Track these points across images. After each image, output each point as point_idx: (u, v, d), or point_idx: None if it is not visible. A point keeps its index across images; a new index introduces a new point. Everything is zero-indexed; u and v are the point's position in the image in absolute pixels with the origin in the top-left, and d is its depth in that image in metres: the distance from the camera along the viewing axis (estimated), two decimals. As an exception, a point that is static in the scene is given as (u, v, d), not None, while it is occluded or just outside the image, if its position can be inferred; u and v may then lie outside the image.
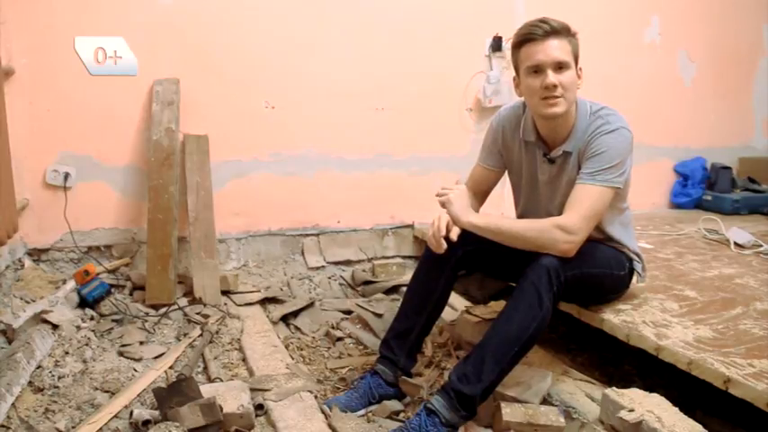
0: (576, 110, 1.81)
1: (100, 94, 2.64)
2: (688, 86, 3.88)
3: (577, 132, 1.80)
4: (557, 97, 1.70)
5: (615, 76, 3.47)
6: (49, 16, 2.53)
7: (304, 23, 2.91)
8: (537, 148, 1.90)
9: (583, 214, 1.71)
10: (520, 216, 2.07)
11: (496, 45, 3.25)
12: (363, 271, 3.09)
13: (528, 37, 1.71)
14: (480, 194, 2.08)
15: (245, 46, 2.83)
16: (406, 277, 2.99)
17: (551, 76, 1.68)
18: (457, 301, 2.59)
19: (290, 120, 2.96)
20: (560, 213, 1.79)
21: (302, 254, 3.08)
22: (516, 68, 1.81)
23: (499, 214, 2.19)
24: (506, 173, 2.09)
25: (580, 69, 1.77)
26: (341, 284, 3.04)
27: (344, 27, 2.99)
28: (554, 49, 1.68)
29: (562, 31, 1.70)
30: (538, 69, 1.70)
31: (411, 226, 3.26)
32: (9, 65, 2.44)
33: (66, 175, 2.63)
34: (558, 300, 1.74)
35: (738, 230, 2.95)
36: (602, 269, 1.89)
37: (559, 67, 1.69)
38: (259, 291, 2.75)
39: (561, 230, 1.70)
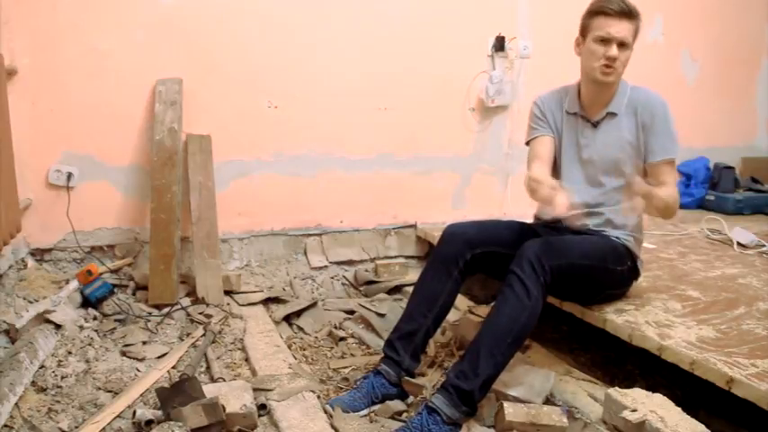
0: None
1: (103, 93, 2.64)
2: (691, 86, 3.88)
3: (618, 97, 2.00)
4: (613, 68, 1.90)
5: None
6: (52, 16, 2.53)
7: (307, 23, 2.91)
8: (579, 117, 2.07)
9: (675, 185, 1.96)
10: None
11: (499, 45, 3.24)
12: (366, 271, 3.09)
13: (605, 10, 1.88)
14: (548, 168, 2.09)
15: (248, 46, 2.83)
16: (409, 277, 3.00)
17: (615, 50, 1.87)
18: (460, 301, 2.58)
19: (293, 120, 2.96)
20: (605, 174, 2.01)
21: (305, 254, 3.08)
22: (583, 31, 1.97)
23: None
24: None
25: (631, 50, 1.95)
26: (343, 284, 3.05)
27: (347, 27, 2.99)
28: (624, 29, 1.87)
29: (633, 14, 1.88)
30: (605, 40, 1.88)
31: (414, 226, 3.26)
32: (12, 64, 2.44)
33: (69, 175, 2.63)
34: (547, 290, 1.76)
35: (741, 230, 2.95)
36: (593, 261, 1.90)
37: (622, 44, 1.88)
38: (262, 291, 2.75)
39: (677, 200, 1.96)
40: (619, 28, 1.87)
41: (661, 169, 1.96)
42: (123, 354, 2.13)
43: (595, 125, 2.04)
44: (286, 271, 2.99)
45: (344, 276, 3.09)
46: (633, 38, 1.91)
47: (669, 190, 1.92)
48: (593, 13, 1.92)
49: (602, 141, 2.02)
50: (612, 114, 2.00)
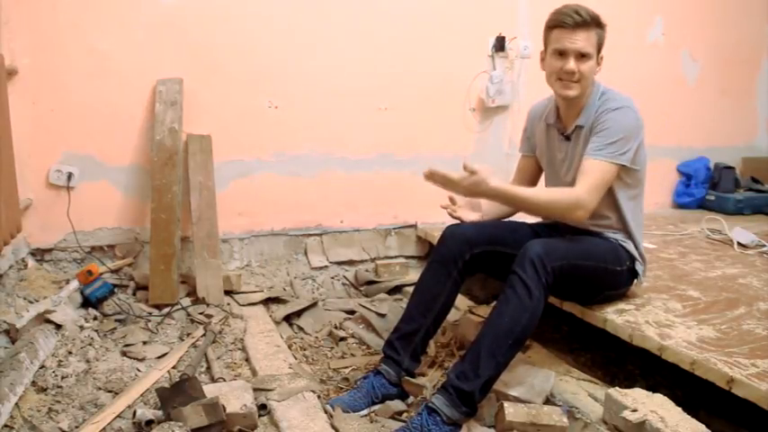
0: (591, 90, 1.94)
1: (103, 93, 2.64)
2: (691, 86, 3.87)
3: (588, 109, 1.93)
4: (573, 82, 1.85)
5: (618, 75, 3.43)
6: (52, 15, 2.53)
7: (307, 23, 2.91)
8: (555, 129, 2.04)
9: (590, 185, 1.80)
10: None
11: (499, 45, 3.24)
12: (366, 271, 3.09)
13: (559, 23, 1.84)
14: (526, 184, 2.16)
15: (249, 46, 2.83)
16: (409, 277, 3.00)
17: (572, 63, 1.83)
18: (460, 300, 2.58)
19: (294, 119, 2.96)
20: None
21: (305, 254, 3.08)
22: (545, 45, 1.93)
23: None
24: None
25: (601, 58, 1.90)
26: (344, 284, 3.05)
27: (348, 26, 2.99)
28: (580, 40, 1.82)
29: (591, 23, 1.83)
30: (562, 53, 1.84)
31: (414, 226, 3.26)
32: (12, 64, 2.44)
33: (70, 175, 2.63)
34: (548, 291, 1.76)
35: (741, 230, 2.95)
36: (593, 262, 1.89)
37: (581, 56, 1.83)
38: (262, 291, 2.75)
39: (574, 201, 1.79)
40: (575, 39, 1.81)
41: (580, 168, 1.85)
42: (123, 354, 2.13)
43: (568, 138, 1.99)
44: (286, 271, 2.99)
45: (345, 276, 3.09)
46: (595, 47, 1.84)
47: (550, 193, 1.84)
48: (550, 27, 1.88)
49: (571, 155, 1.98)
50: (580, 128, 1.94)
